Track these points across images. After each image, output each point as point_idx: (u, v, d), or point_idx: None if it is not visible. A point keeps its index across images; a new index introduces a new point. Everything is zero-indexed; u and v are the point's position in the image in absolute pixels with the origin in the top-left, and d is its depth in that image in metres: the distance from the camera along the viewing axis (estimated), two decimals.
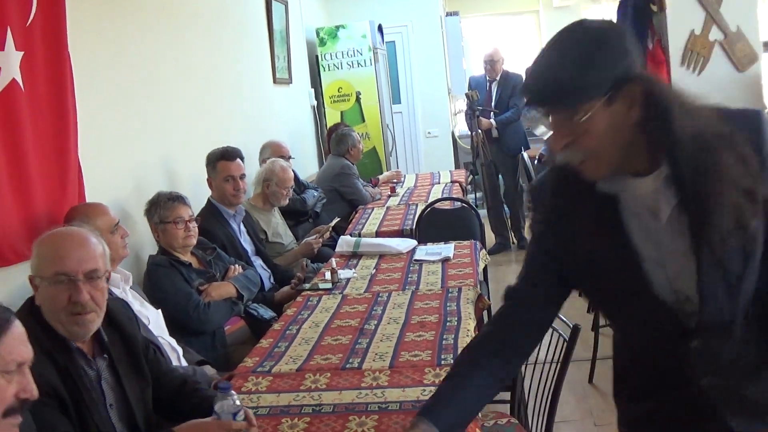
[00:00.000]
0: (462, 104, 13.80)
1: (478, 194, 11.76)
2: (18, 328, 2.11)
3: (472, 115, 9.82)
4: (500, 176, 10.23)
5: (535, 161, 8.94)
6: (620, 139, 2.07)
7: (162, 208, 4.65)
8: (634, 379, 2.47)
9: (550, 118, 2.13)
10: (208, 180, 5.68)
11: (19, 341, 2.09)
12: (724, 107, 2.16)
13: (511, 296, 2.52)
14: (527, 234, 7.22)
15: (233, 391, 2.83)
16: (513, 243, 10.21)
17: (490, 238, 9.83)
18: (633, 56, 2.07)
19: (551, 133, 2.14)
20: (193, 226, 4.74)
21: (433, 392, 2.44)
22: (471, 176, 10.72)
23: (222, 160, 5.63)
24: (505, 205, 10.29)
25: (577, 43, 2.07)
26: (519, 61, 11.87)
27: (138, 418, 3.00)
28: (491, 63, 9.93)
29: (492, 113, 9.94)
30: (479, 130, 9.80)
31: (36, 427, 2.46)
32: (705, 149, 2.02)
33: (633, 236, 2.18)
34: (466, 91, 10.15)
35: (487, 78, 10.10)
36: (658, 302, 2.17)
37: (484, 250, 5.89)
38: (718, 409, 2.18)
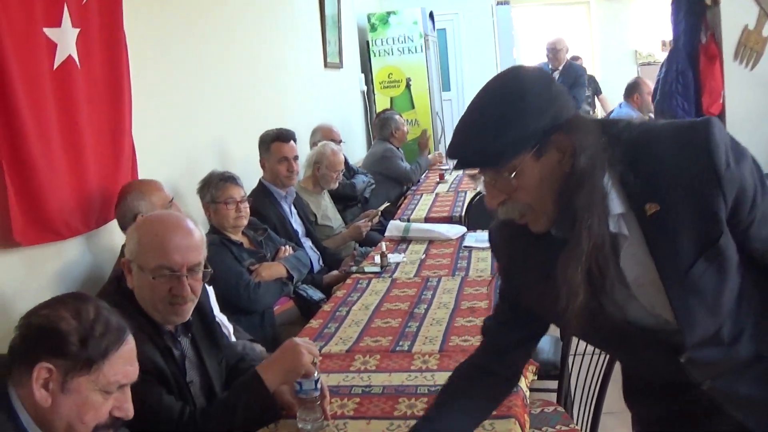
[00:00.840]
0: None
1: None
2: (129, 345, 2.11)
3: None
4: None
5: None
6: (556, 188, 2.03)
7: (214, 187, 4.67)
8: (641, 386, 2.47)
9: (482, 177, 2.10)
10: (261, 161, 5.71)
11: (126, 361, 2.09)
12: (673, 122, 2.13)
13: (486, 332, 2.58)
14: None
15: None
16: None
17: None
18: (561, 102, 2.03)
19: (485, 192, 2.11)
20: (245, 207, 4.75)
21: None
22: None
23: (276, 141, 5.65)
24: None
25: (497, 101, 2.05)
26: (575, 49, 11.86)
27: (218, 393, 3.03)
28: (554, 51, 9.74)
29: None
30: None
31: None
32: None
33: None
34: None
35: (550, 67, 9.83)
36: (639, 328, 2.15)
37: None
38: (725, 408, 2.17)
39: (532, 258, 2.21)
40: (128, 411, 2.10)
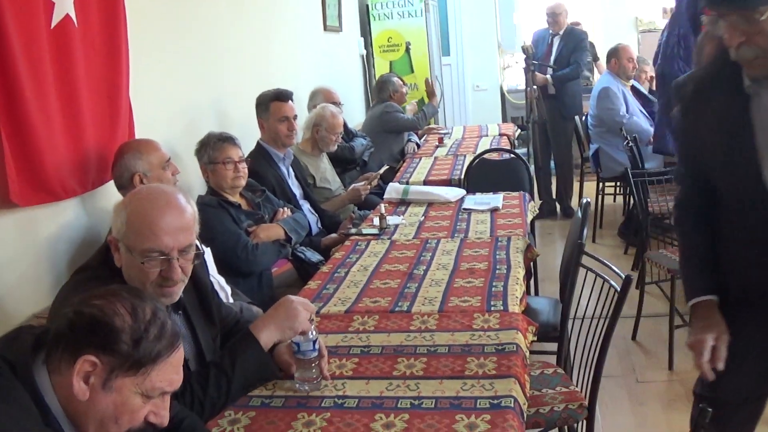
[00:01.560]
0: (511, 59, 13.71)
1: (527, 150, 11.61)
2: (180, 353, 2.06)
3: (527, 70, 9.29)
4: (549, 138, 9.78)
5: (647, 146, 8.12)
6: None
7: (212, 148, 4.64)
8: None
9: (728, 18, 2.43)
10: (259, 122, 5.67)
11: (174, 369, 2.04)
12: None
13: (680, 183, 3.02)
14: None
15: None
16: (558, 212, 9.82)
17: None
18: None
19: (727, 33, 2.45)
20: (243, 167, 4.72)
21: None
22: (519, 131, 10.55)
23: (276, 100, 5.62)
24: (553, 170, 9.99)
25: None
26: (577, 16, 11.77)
27: None
28: (553, 16, 9.51)
29: (550, 69, 9.51)
30: (534, 86, 9.29)
31: None
32: None
33: (757, 134, 2.58)
34: (523, 44, 9.80)
35: (550, 32, 9.72)
36: (762, 191, 2.59)
37: (533, 201, 5.85)
38: None
39: (718, 108, 2.66)
40: (164, 419, 2.04)
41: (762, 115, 2.59)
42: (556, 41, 9.60)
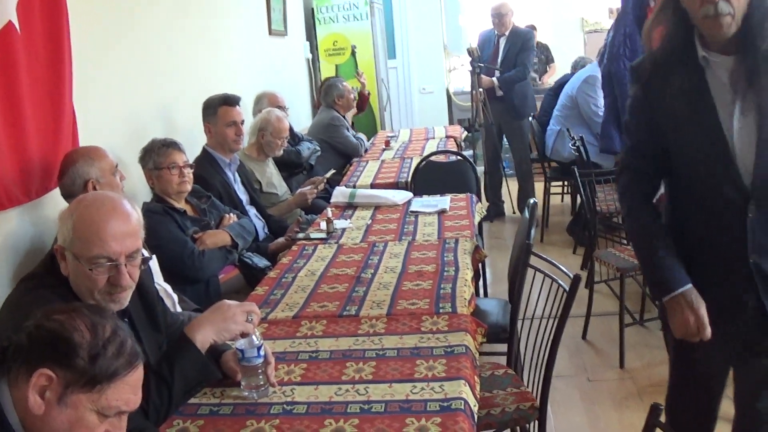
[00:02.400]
0: (457, 61, 13.74)
1: (474, 152, 11.61)
2: (138, 373, 2.03)
3: (472, 72, 9.30)
4: (505, 140, 9.80)
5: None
6: (745, 10, 2.66)
7: (156, 154, 4.59)
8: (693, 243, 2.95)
9: None
10: (206, 127, 5.61)
11: (131, 389, 2.01)
12: None
13: (628, 167, 3.05)
14: None
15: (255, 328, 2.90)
16: (514, 213, 9.75)
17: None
18: None
19: None
20: (188, 172, 4.67)
21: (659, 268, 2.91)
22: (466, 133, 10.55)
23: (224, 105, 5.57)
24: (504, 172, 9.86)
25: None
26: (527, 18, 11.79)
27: None
28: (498, 16, 9.38)
29: (494, 71, 9.39)
30: (480, 89, 9.28)
31: None
32: None
33: (716, 101, 2.75)
34: (468, 46, 9.71)
35: (496, 33, 9.58)
36: (729, 157, 2.72)
37: (480, 203, 5.85)
38: (759, 288, 2.78)
39: (676, 79, 2.81)
40: None
41: (715, 82, 2.76)
42: (503, 42, 9.49)
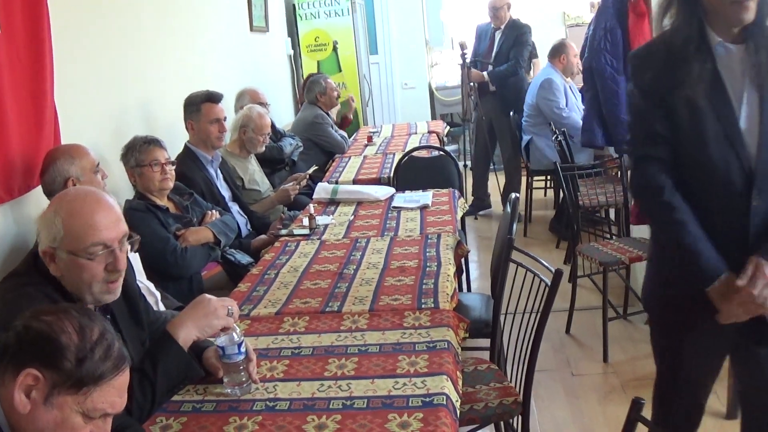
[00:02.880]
0: (439, 56, 13.73)
1: (456, 146, 11.59)
2: (124, 376, 2.04)
3: (462, 65, 9.23)
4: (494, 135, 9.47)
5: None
6: None
7: (138, 151, 4.58)
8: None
9: None
10: (189, 123, 5.59)
11: (117, 392, 2.02)
12: None
13: (647, 157, 2.98)
14: None
15: (235, 324, 2.90)
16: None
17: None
18: None
19: None
20: (170, 169, 4.66)
21: (702, 255, 2.85)
22: (448, 128, 10.51)
23: (207, 102, 5.56)
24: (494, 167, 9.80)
25: None
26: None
27: None
28: (494, 10, 9.18)
29: (488, 65, 9.22)
30: (471, 83, 9.21)
31: None
32: None
33: (726, 85, 2.81)
34: (460, 39, 9.64)
35: (492, 26, 9.39)
36: (740, 144, 2.78)
37: (462, 198, 5.84)
38: None
39: (687, 65, 2.82)
40: None
41: (726, 70, 2.83)
42: (498, 35, 9.32)
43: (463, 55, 9.19)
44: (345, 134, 8.80)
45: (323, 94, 8.58)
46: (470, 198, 9.39)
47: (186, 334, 2.83)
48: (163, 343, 2.82)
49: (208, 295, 2.96)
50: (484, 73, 9.26)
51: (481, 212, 9.64)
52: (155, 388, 2.71)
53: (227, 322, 2.86)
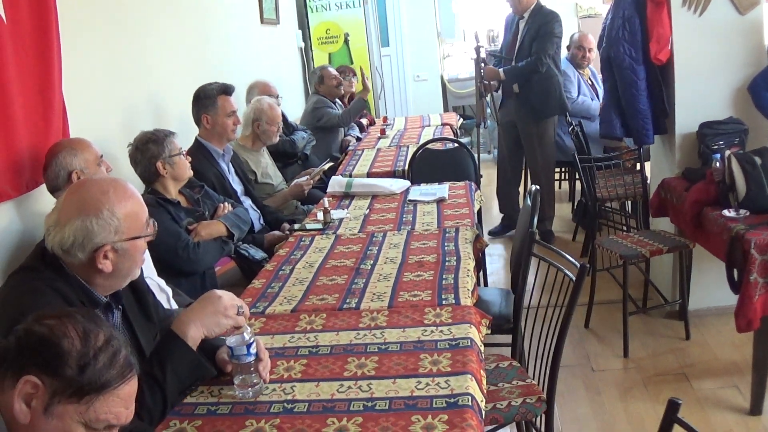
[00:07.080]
0: (451, 48, 13.67)
1: (468, 139, 11.47)
2: (130, 386, 1.94)
3: (476, 61, 8.01)
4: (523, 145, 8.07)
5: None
6: None
7: (166, 143, 4.50)
8: None
9: None
10: (202, 117, 5.51)
11: (123, 402, 1.92)
12: None
13: None
14: None
15: (246, 324, 2.83)
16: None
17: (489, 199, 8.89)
18: None
19: None
20: (188, 159, 4.66)
21: None
22: (461, 120, 10.41)
23: (223, 94, 5.52)
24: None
25: None
26: None
27: None
28: None
29: (509, 60, 7.81)
30: (486, 81, 7.96)
31: None
32: None
33: None
34: (475, 33, 8.81)
35: (516, 15, 7.89)
36: None
37: (479, 190, 5.76)
38: None
39: None
40: None
41: None
42: (521, 25, 7.79)
43: (477, 49, 8.06)
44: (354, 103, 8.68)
45: (321, 83, 8.65)
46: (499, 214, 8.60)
47: (194, 334, 2.75)
48: (171, 344, 2.73)
49: (218, 292, 2.87)
50: (500, 69, 7.82)
51: (509, 233, 8.22)
52: (165, 392, 2.63)
53: (237, 322, 2.78)
